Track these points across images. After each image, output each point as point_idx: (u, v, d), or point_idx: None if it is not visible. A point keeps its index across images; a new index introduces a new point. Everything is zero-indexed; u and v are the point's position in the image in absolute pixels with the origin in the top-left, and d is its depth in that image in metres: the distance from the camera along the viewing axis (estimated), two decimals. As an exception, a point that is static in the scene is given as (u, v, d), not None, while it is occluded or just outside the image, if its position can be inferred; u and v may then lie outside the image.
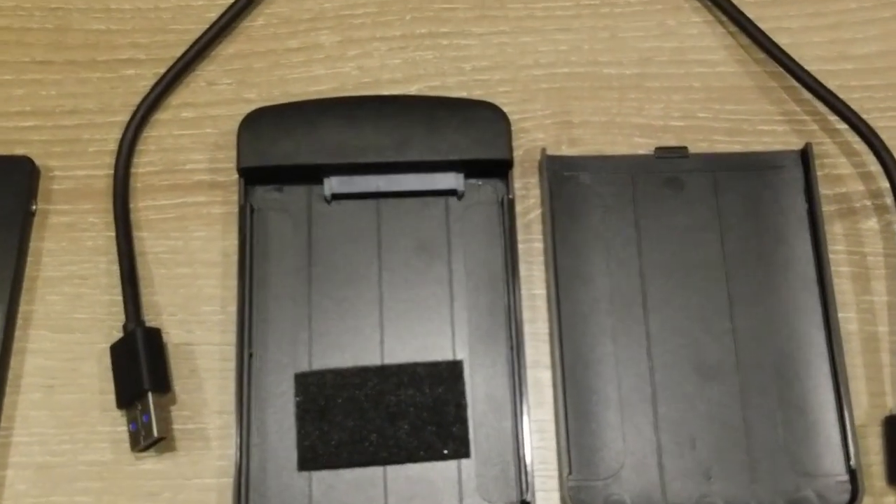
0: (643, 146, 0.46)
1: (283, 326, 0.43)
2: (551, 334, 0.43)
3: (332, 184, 0.44)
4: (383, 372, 0.42)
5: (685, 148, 0.46)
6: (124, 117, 0.46)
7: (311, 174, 0.44)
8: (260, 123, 0.44)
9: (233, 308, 0.42)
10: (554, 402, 0.42)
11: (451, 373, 0.42)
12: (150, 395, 0.41)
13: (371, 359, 0.42)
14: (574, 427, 0.41)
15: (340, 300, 0.43)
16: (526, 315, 0.43)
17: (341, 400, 0.41)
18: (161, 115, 0.47)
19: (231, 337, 0.42)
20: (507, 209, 0.44)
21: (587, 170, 0.45)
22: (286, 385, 0.42)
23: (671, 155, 0.45)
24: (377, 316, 0.43)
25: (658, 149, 0.46)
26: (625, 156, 0.46)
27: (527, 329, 0.43)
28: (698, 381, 0.42)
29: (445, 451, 0.41)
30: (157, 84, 0.46)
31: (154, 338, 0.42)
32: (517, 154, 0.45)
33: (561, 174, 0.45)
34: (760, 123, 0.47)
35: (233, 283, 0.42)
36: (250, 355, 0.42)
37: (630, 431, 0.41)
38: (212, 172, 0.46)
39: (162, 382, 0.41)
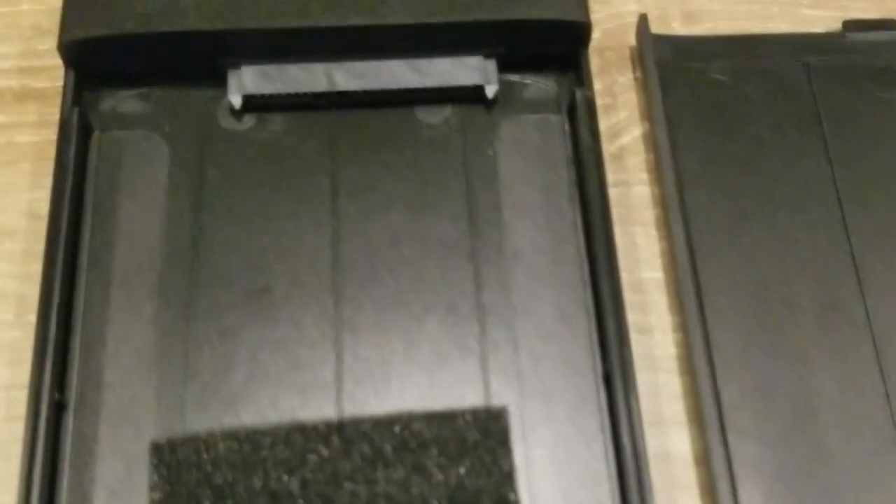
0: (819, 21, 0.37)
1: (134, 349, 0.30)
2: (692, 357, 0.30)
3: (244, 79, 0.32)
4: (342, 435, 0.29)
5: (895, 21, 0.36)
6: None
7: (203, 60, 0.33)
8: (105, -33, 0.32)
9: (34, 315, 0.31)
10: (707, 491, 0.30)
11: (484, 432, 0.29)
12: None
13: (318, 408, 0.29)
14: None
15: (253, 297, 0.30)
16: (631, 320, 0.30)
17: (248, 494, 0.28)
18: (-64, -16, 0.38)
19: (26, 371, 0.30)
20: (585, 119, 0.32)
21: (723, 57, 0.35)
22: (134, 463, 0.29)
23: (872, 31, 0.36)
24: (329, 326, 0.30)
25: (848, 23, 0.36)
26: (789, 35, 0.36)
27: (636, 347, 0.30)
28: None
29: None
30: (-71, -72, 0.37)
31: None
32: (592, 38, 0.35)
33: (677, 66, 0.35)
34: None
35: (39, 267, 0.32)
36: (60, 405, 0.29)
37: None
38: (22, 75, 0.36)
39: None
